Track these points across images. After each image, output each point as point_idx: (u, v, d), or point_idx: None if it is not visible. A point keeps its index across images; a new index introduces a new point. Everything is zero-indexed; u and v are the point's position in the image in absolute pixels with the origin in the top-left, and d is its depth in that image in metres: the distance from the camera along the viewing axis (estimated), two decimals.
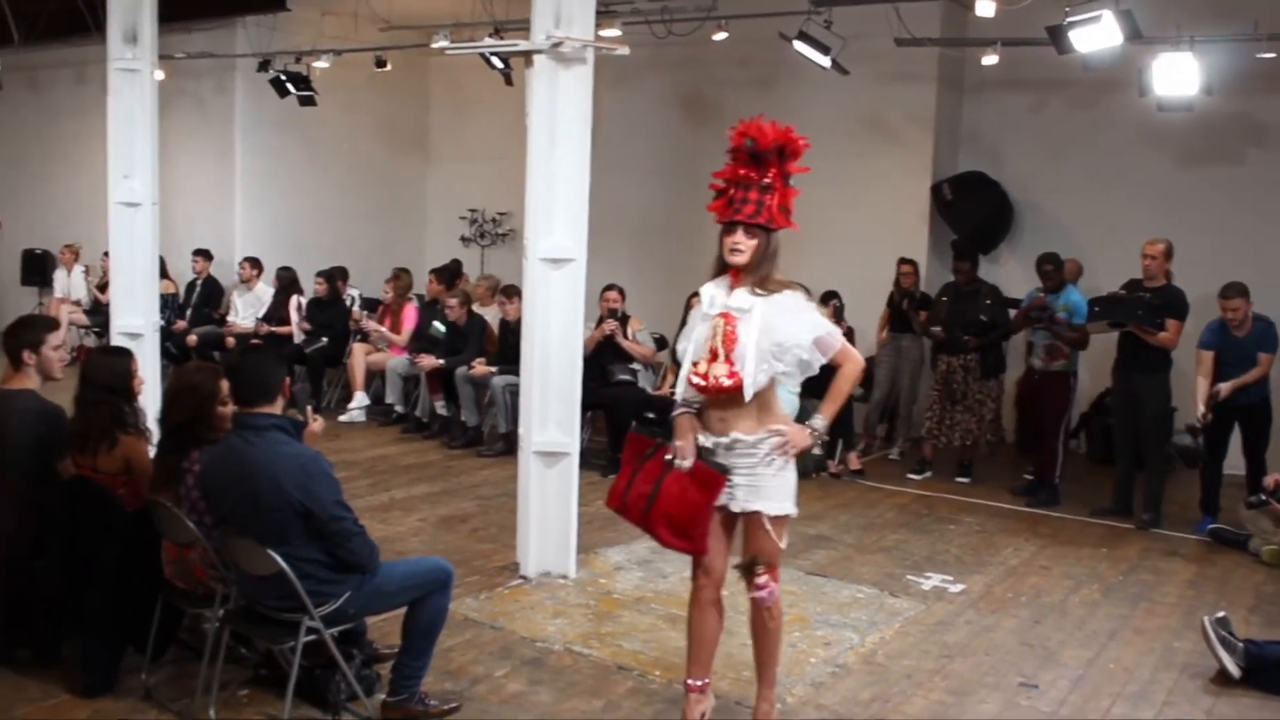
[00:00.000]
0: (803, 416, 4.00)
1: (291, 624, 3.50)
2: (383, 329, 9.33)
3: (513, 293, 7.96)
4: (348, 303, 9.95)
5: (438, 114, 12.57)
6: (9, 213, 13.52)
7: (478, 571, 5.37)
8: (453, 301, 8.67)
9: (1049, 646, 4.72)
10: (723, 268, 3.50)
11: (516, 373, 6.21)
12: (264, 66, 10.28)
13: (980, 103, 9.42)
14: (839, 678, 4.31)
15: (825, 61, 8.02)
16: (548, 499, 5.26)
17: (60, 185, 12.52)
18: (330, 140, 11.49)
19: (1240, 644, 4.37)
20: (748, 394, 3.39)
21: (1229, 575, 5.83)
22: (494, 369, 8.14)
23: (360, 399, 9.21)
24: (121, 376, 4.12)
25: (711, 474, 3.45)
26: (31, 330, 4.15)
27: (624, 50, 5.34)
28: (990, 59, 8.17)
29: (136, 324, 6.64)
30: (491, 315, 8.89)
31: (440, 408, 8.66)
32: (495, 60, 9.05)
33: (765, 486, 3.49)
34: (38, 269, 12.59)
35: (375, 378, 9.41)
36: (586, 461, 6.22)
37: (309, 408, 3.74)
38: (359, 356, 9.30)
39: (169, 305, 9.76)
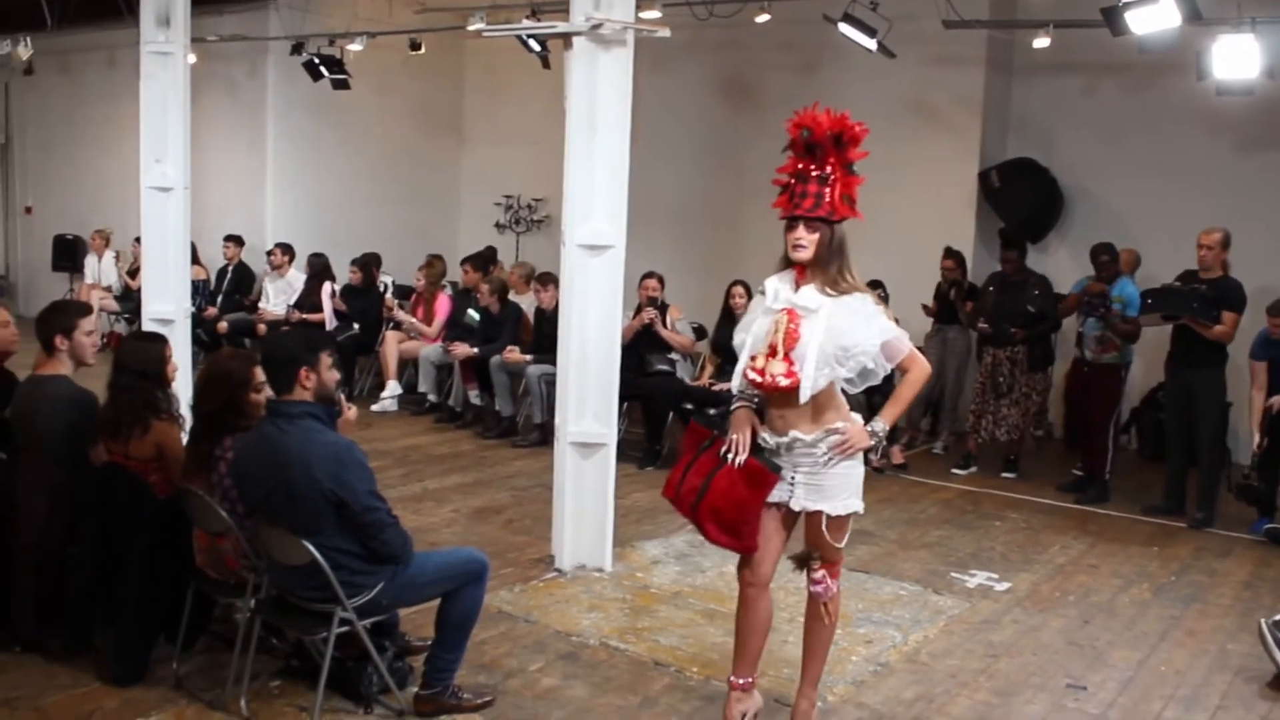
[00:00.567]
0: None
1: (324, 615, 3.48)
2: (415, 320, 9.27)
3: (548, 280, 7.87)
4: (381, 289, 9.90)
5: (473, 97, 12.46)
6: (40, 197, 13.60)
7: (512, 564, 5.31)
8: (486, 288, 8.59)
9: (1097, 647, 4.62)
10: (788, 264, 3.39)
11: (551, 362, 6.13)
12: (297, 49, 10.21)
13: (1030, 86, 9.18)
14: (881, 676, 4.23)
15: (871, 44, 7.85)
16: (584, 491, 5.20)
17: (91, 170, 12.53)
18: (363, 124, 11.43)
19: None
20: (803, 396, 3.29)
21: None
22: (528, 357, 8.06)
23: (393, 388, 9.14)
24: (156, 362, 4.08)
25: (762, 471, 3.34)
26: (65, 315, 4.12)
27: (665, 32, 5.24)
28: (1042, 41, 7.94)
29: (168, 310, 6.63)
30: (526, 303, 8.79)
31: (474, 397, 8.59)
32: (532, 43, 8.93)
33: (828, 486, 3.39)
34: (68, 254, 12.56)
35: (408, 366, 9.36)
36: (623, 453, 6.12)
37: (341, 396, 3.68)
38: (392, 345, 9.24)
39: (200, 291, 9.72)
